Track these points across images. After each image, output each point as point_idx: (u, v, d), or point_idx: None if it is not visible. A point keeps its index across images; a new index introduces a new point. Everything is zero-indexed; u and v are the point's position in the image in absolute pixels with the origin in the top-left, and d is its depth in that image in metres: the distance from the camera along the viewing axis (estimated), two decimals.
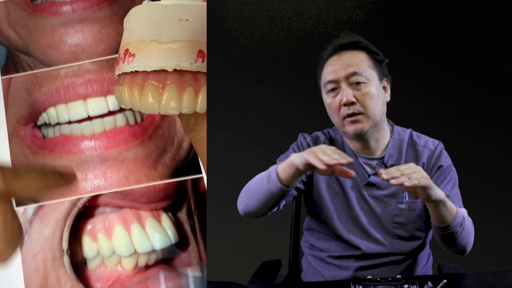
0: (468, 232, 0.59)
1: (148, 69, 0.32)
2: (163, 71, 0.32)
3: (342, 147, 0.65)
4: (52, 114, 0.75)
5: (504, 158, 0.87)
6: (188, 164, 0.74)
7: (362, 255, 0.63)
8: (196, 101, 0.32)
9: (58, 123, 0.76)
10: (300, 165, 0.52)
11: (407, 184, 0.52)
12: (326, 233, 0.65)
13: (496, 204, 0.85)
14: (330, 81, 0.61)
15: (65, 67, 0.77)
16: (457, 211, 0.57)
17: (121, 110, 0.76)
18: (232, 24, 0.98)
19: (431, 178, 0.59)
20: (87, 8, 0.78)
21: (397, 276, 0.56)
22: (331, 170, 0.52)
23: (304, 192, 0.66)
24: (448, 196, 0.60)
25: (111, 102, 0.75)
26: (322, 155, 0.51)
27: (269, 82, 0.97)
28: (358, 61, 0.61)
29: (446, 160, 0.64)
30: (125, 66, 0.34)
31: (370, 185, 0.63)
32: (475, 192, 0.82)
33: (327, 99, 0.62)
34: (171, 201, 0.72)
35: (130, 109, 0.41)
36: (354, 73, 0.60)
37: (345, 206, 0.64)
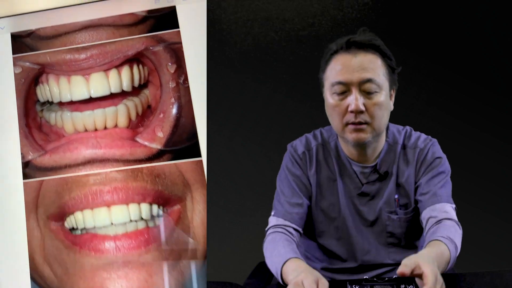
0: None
1: None
2: None
3: (335, 151, 0.62)
4: (79, 219, 0.75)
5: (504, 158, 0.87)
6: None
7: (359, 266, 0.63)
8: None
9: (84, 228, 0.75)
10: None
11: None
12: (321, 247, 0.65)
13: (495, 203, 0.85)
14: (340, 82, 0.57)
15: (93, 174, 0.77)
16: (450, 253, 0.55)
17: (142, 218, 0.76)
18: (232, 24, 0.98)
19: (421, 175, 0.58)
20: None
21: (394, 276, 0.55)
22: None
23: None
24: (431, 191, 0.59)
25: (132, 211, 0.75)
26: None
27: (269, 82, 0.97)
28: (374, 67, 0.57)
29: (436, 154, 0.61)
30: None
31: (363, 195, 0.60)
32: (475, 192, 0.82)
33: (331, 99, 0.58)
34: None
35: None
36: (368, 80, 0.56)
37: (340, 226, 0.62)
